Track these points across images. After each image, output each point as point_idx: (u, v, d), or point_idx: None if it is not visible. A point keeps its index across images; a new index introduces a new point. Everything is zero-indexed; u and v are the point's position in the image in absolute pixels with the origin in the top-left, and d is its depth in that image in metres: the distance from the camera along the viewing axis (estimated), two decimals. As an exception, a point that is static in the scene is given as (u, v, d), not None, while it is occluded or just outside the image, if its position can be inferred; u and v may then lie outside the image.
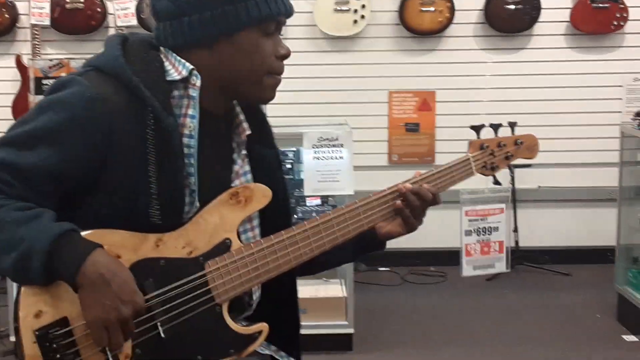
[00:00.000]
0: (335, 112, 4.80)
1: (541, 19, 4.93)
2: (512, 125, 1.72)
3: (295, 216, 3.86)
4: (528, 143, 1.72)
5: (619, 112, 4.83)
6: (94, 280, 1.28)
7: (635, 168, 4.13)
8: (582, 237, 5.15)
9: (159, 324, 1.37)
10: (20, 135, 1.36)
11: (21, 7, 4.86)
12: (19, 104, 4.73)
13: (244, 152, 1.55)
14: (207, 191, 1.44)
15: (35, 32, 4.78)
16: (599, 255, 4.88)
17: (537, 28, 5.01)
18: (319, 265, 1.62)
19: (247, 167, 1.56)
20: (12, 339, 3.30)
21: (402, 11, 4.87)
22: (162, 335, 1.37)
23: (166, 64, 1.44)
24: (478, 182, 1.95)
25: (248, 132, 1.55)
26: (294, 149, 3.92)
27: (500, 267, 2.25)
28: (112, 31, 4.89)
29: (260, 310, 1.57)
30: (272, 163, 1.61)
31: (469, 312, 4.31)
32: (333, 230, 1.51)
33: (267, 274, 1.46)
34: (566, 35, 5.06)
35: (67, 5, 4.76)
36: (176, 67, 1.43)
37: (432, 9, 4.85)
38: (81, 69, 1.43)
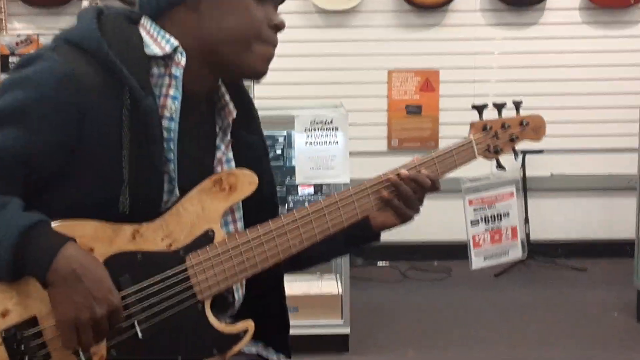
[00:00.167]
0: (329, 92, 4.80)
1: (554, -9, 4.94)
2: (517, 104, 1.71)
3: (286, 206, 3.87)
4: (534, 124, 1.72)
5: (639, 93, 4.85)
6: (65, 276, 1.28)
7: (656, 154, 4.13)
8: (598, 229, 5.17)
9: (136, 322, 1.38)
10: (-17, 115, 1.35)
11: (-15, -23, 4.85)
12: (-17, 84, 4.71)
13: (228, 137, 1.55)
14: (187, 179, 1.44)
15: (1, 5, 4.76)
16: (617, 249, 4.91)
17: (550, 1, 5.01)
18: (308, 259, 1.62)
19: (231, 154, 1.56)
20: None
21: (402, -18, 4.87)
22: (140, 334, 1.38)
23: (146, 38, 1.43)
24: (480, 168, 1.95)
25: (234, 114, 1.55)
26: (285, 132, 3.92)
27: (515, 254, 2.24)
28: (85, 4, 4.86)
29: (245, 308, 1.58)
30: (257, 150, 1.61)
31: (475, 311, 4.32)
32: (324, 220, 1.51)
33: (253, 268, 1.46)
34: (581, 9, 5.06)
35: (36, -24, 4.75)
36: (158, 42, 1.43)
37: (435, -20, 4.85)
38: (51, 43, 1.42)
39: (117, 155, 1.37)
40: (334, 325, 3.73)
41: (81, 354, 1.33)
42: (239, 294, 1.57)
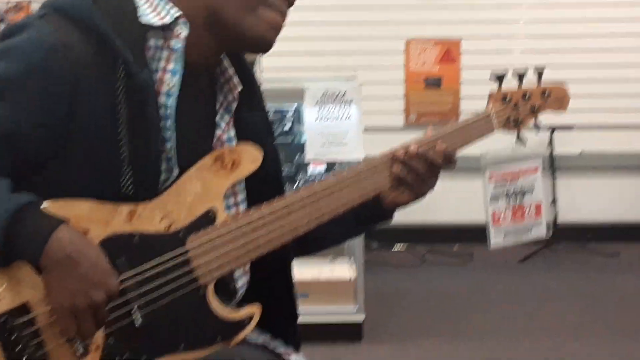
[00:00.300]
0: (342, 63, 4.79)
1: (586, -47, 4.91)
2: (540, 71, 1.71)
3: (294, 186, 3.87)
4: (556, 94, 1.72)
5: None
6: (60, 260, 1.28)
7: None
8: (631, 211, 5.16)
9: (135, 309, 1.39)
10: (-35, 87, 1.35)
11: (-26, -60, 4.85)
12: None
13: (230, 114, 1.55)
14: (186, 158, 1.44)
15: (-9, -31, 4.77)
16: (651, 232, 4.91)
17: (582, -36, 4.98)
18: (317, 241, 1.63)
19: (232, 133, 1.56)
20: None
21: (422, -55, 4.85)
22: (139, 322, 1.39)
23: (145, 6, 1.43)
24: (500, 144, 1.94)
25: (240, 88, 1.55)
26: (294, 106, 3.91)
27: (538, 232, 2.24)
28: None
29: (250, 295, 1.58)
30: (260, 128, 1.61)
31: (497, 299, 4.33)
32: (333, 198, 1.51)
33: (257, 250, 1.47)
34: (616, -27, 5.03)
35: (28, -62, 4.74)
36: (158, 11, 1.42)
37: (457, -59, 4.83)
38: (40, 11, 1.41)
39: (113, 133, 1.37)
40: (347, 312, 3.74)
41: (78, 342, 1.35)
42: (242, 280, 1.57)
